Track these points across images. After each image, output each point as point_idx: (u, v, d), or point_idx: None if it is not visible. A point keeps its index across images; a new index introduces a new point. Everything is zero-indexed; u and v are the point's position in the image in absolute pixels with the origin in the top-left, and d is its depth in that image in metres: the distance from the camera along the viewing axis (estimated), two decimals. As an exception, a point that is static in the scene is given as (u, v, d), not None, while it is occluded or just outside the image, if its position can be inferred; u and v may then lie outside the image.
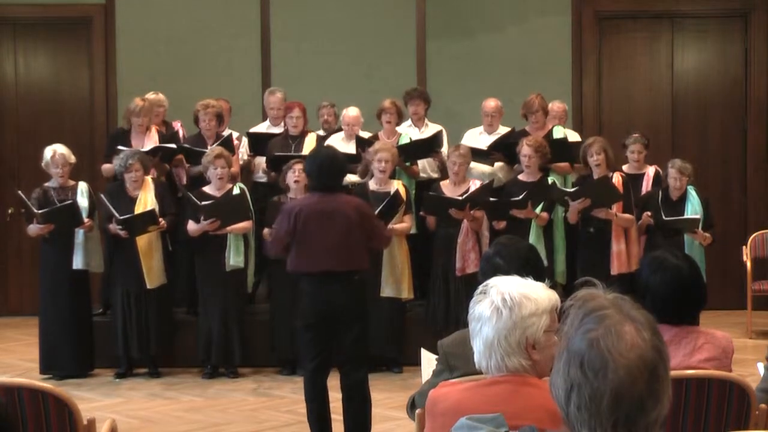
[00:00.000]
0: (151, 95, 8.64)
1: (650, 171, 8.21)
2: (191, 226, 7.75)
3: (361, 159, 8.10)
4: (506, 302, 2.67)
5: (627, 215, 7.70)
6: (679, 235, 7.86)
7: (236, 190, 7.87)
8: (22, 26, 10.36)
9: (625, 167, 8.10)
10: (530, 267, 3.57)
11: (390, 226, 7.55)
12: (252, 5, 10.20)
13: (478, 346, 2.69)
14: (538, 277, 3.59)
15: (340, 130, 8.65)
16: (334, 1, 10.27)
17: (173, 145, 8.26)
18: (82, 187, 7.92)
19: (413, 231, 8.08)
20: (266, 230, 7.75)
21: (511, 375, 2.67)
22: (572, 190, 7.78)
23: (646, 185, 8.12)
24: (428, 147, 8.40)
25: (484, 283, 2.75)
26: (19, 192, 7.75)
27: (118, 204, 7.69)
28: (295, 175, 7.65)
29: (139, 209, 7.70)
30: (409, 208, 7.89)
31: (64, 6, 10.25)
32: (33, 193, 7.74)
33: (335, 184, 5.80)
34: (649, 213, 7.81)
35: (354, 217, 5.70)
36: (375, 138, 8.30)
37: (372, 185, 7.81)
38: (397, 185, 7.81)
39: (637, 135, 8.26)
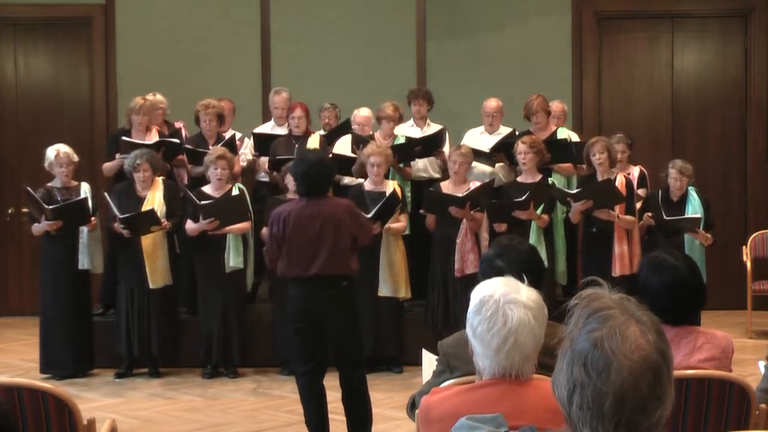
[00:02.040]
0: (149, 96, 8.63)
1: (635, 171, 8.22)
2: (190, 225, 7.76)
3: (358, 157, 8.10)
4: (532, 308, 2.67)
5: (629, 217, 7.69)
6: (679, 235, 7.86)
7: (235, 191, 7.87)
8: (22, 26, 10.36)
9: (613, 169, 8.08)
10: (531, 270, 3.57)
11: (387, 225, 7.56)
12: (252, 5, 10.21)
13: (502, 349, 2.66)
14: (538, 279, 3.62)
15: (340, 130, 8.64)
16: (334, 2, 10.27)
17: (176, 140, 8.28)
18: (85, 187, 7.91)
19: (407, 231, 8.08)
20: (264, 230, 7.76)
21: (490, 377, 2.67)
22: (574, 191, 7.77)
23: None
24: (429, 146, 8.40)
25: (491, 287, 2.72)
26: (28, 188, 7.73)
27: (126, 203, 7.71)
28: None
29: (146, 209, 7.71)
30: (404, 208, 7.89)
31: (64, 6, 10.25)
32: (36, 193, 7.73)
33: (322, 189, 5.77)
34: (649, 214, 7.80)
35: (343, 221, 5.71)
36: (372, 138, 8.30)
37: (367, 185, 7.82)
38: (392, 185, 7.81)
39: (620, 135, 8.28)
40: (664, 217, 7.74)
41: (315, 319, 5.68)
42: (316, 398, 5.77)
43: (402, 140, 8.40)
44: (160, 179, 7.89)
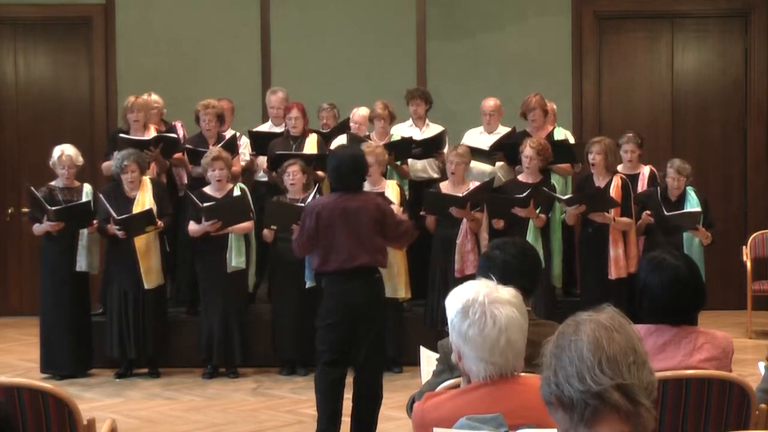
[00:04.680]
0: (144, 96, 8.63)
1: (645, 171, 8.17)
2: (192, 226, 7.75)
3: None
4: (515, 304, 2.75)
5: (625, 219, 7.67)
6: (678, 234, 7.85)
7: (237, 191, 7.87)
8: (22, 26, 10.35)
9: (619, 167, 8.06)
10: (529, 262, 3.60)
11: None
12: (252, 5, 10.20)
13: (496, 349, 2.68)
14: (535, 272, 3.64)
15: (339, 130, 8.63)
16: (334, 2, 10.26)
17: (174, 135, 8.28)
18: (87, 189, 7.91)
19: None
20: (266, 231, 7.76)
21: (481, 380, 2.68)
22: (566, 197, 7.77)
23: (642, 185, 8.07)
24: (429, 148, 8.38)
25: (471, 290, 2.74)
26: (32, 188, 7.74)
27: (116, 204, 7.69)
28: (290, 177, 7.68)
29: (137, 210, 7.70)
30: (405, 208, 7.88)
31: (64, 6, 10.24)
32: (39, 192, 7.73)
33: (357, 183, 5.86)
34: (648, 212, 7.79)
35: (377, 216, 5.81)
36: (368, 138, 8.29)
37: (366, 186, 7.78)
38: (391, 185, 7.81)
39: (630, 135, 8.23)
40: (665, 212, 7.72)
41: (349, 313, 5.75)
42: (337, 391, 5.83)
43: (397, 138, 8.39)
44: (147, 179, 7.87)
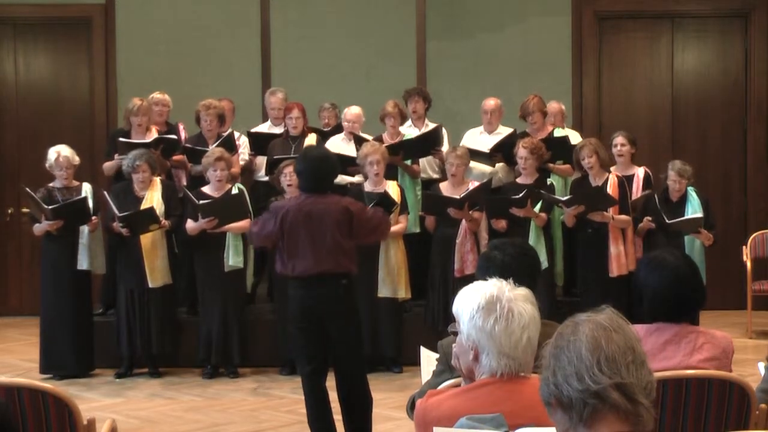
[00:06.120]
0: (157, 95, 8.64)
1: (639, 172, 8.14)
2: (190, 224, 7.76)
3: None
4: (534, 303, 2.78)
5: (624, 216, 7.69)
6: (679, 236, 7.85)
7: (235, 191, 7.87)
8: (22, 26, 10.36)
9: (613, 168, 8.03)
10: (528, 263, 3.60)
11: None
12: (252, 5, 10.21)
13: (519, 346, 2.69)
14: (534, 272, 3.64)
15: (339, 130, 8.64)
16: (334, 1, 10.27)
17: (174, 136, 8.29)
18: (86, 188, 7.92)
19: (417, 230, 8.07)
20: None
21: (497, 376, 2.68)
22: (565, 198, 7.77)
23: (636, 186, 8.07)
24: (428, 143, 8.36)
25: (490, 288, 2.74)
26: (27, 189, 7.75)
27: (125, 203, 7.72)
28: (286, 178, 7.67)
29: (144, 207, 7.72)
30: (405, 209, 7.87)
31: (64, 6, 10.25)
32: (37, 193, 7.73)
33: (325, 185, 5.70)
34: (649, 218, 7.79)
35: (343, 220, 5.62)
36: (379, 140, 8.27)
37: (367, 186, 7.79)
38: (391, 186, 7.79)
39: (621, 131, 8.24)
40: (666, 220, 7.73)
41: (316, 318, 5.62)
42: (321, 399, 5.72)
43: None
44: (157, 179, 7.90)
